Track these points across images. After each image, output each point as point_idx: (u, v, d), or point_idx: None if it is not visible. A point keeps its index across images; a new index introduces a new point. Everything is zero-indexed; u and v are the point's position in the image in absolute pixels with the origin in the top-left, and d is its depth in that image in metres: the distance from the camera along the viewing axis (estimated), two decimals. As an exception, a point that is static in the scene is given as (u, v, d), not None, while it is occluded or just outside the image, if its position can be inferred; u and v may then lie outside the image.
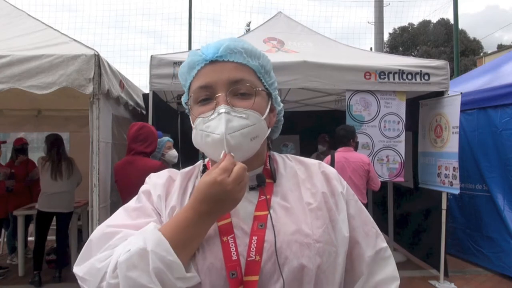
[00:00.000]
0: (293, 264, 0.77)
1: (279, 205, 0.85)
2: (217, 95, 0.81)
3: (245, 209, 0.84)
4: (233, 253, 0.77)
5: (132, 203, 0.89)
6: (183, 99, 0.91)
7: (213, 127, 0.79)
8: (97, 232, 0.80)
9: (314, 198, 0.87)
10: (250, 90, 0.83)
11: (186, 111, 0.92)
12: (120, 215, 0.86)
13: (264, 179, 0.87)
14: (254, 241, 0.79)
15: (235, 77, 0.82)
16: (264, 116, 0.84)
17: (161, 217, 0.85)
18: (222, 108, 0.79)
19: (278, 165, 0.94)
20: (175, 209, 0.85)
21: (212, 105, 0.81)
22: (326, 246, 0.82)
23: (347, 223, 0.88)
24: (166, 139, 3.70)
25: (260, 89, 0.85)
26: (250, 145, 0.81)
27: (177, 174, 0.93)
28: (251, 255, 0.78)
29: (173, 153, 3.66)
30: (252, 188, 0.86)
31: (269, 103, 0.88)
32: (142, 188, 0.92)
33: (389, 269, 0.92)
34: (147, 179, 0.94)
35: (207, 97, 0.82)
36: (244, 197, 0.84)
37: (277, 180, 0.89)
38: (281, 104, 0.95)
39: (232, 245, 0.78)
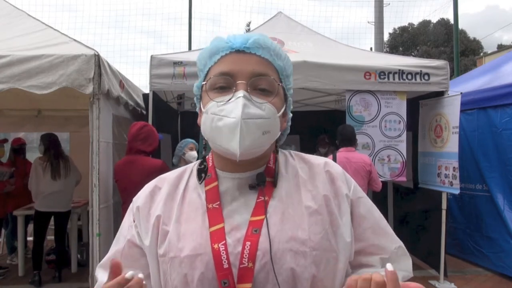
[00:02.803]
0: (287, 274, 0.74)
1: (276, 208, 0.80)
2: (237, 82, 0.78)
3: (240, 215, 0.80)
4: (224, 261, 0.74)
5: (114, 244, 0.90)
6: (197, 84, 0.87)
7: (228, 110, 0.76)
8: None
9: (315, 201, 0.82)
10: (272, 86, 0.80)
11: (195, 97, 0.88)
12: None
13: (265, 179, 0.83)
14: (247, 246, 0.75)
15: (260, 70, 0.79)
16: (279, 114, 0.81)
17: (137, 228, 0.86)
18: (241, 93, 0.76)
19: (279, 164, 0.89)
20: (160, 218, 0.83)
21: (229, 92, 0.78)
22: (324, 253, 0.78)
23: (350, 228, 0.84)
24: (191, 140, 3.91)
25: (281, 84, 0.83)
26: (261, 138, 0.77)
27: (164, 181, 0.90)
28: (243, 261, 0.74)
29: (192, 153, 3.83)
30: (251, 187, 0.83)
31: (284, 106, 0.86)
32: (131, 204, 0.91)
33: (404, 263, 0.89)
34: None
35: (225, 85, 0.79)
36: (241, 200, 0.82)
37: (277, 181, 0.85)
38: (291, 114, 0.93)
39: (223, 252, 0.75)
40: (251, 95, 0.77)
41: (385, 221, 0.91)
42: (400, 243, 0.90)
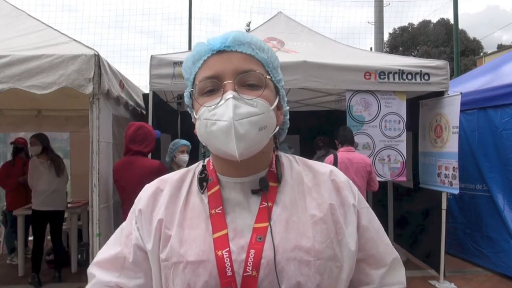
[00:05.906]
0: (291, 283, 0.74)
1: (280, 216, 0.80)
2: (224, 83, 0.76)
3: (243, 220, 0.79)
4: (228, 269, 0.74)
5: (112, 245, 0.91)
6: (186, 93, 0.86)
7: (219, 114, 0.74)
8: None
9: (320, 210, 0.81)
10: (260, 80, 0.79)
11: (188, 107, 0.87)
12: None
13: (268, 184, 0.82)
14: (252, 254, 0.75)
15: (244, 67, 0.78)
16: (273, 107, 0.79)
17: (140, 231, 0.86)
18: (229, 94, 0.74)
19: (284, 169, 0.87)
20: (163, 222, 0.82)
21: (218, 95, 0.77)
22: (328, 262, 0.77)
23: (355, 237, 0.83)
24: (183, 142, 3.78)
25: (269, 77, 0.81)
26: (258, 135, 0.75)
27: (166, 183, 0.88)
28: (247, 269, 0.74)
29: (183, 157, 3.75)
30: (254, 192, 0.81)
31: (277, 98, 0.84)
32: (133, 206, 0.91)
33: (399, 274, 0.91)
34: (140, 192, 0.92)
35: (213, 87, 0.78)
36: (243, 206, 0.81)
37: (281, 187, 0.83)
38: (287, 106, 0.91)
39: (227, 259, 0.75)
40: (240, 93, 0.76)
41: (383, 231, 0.92)
42: (396, 254, 0.92)
